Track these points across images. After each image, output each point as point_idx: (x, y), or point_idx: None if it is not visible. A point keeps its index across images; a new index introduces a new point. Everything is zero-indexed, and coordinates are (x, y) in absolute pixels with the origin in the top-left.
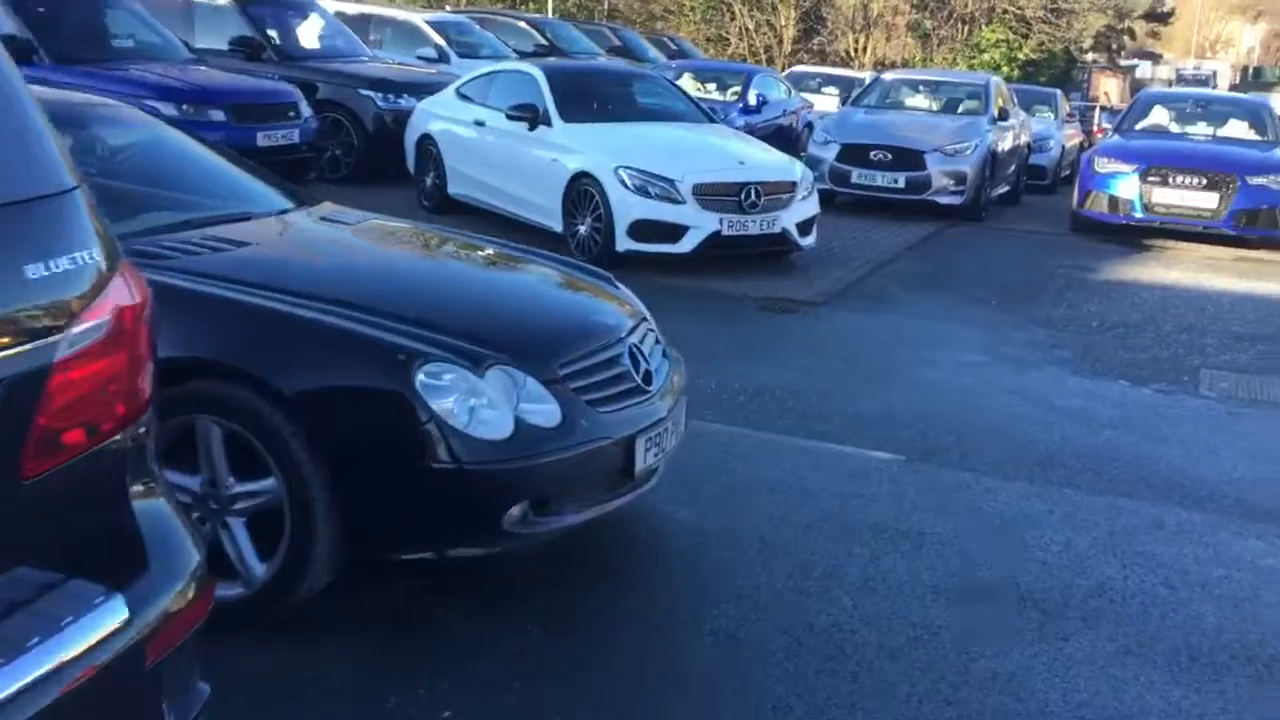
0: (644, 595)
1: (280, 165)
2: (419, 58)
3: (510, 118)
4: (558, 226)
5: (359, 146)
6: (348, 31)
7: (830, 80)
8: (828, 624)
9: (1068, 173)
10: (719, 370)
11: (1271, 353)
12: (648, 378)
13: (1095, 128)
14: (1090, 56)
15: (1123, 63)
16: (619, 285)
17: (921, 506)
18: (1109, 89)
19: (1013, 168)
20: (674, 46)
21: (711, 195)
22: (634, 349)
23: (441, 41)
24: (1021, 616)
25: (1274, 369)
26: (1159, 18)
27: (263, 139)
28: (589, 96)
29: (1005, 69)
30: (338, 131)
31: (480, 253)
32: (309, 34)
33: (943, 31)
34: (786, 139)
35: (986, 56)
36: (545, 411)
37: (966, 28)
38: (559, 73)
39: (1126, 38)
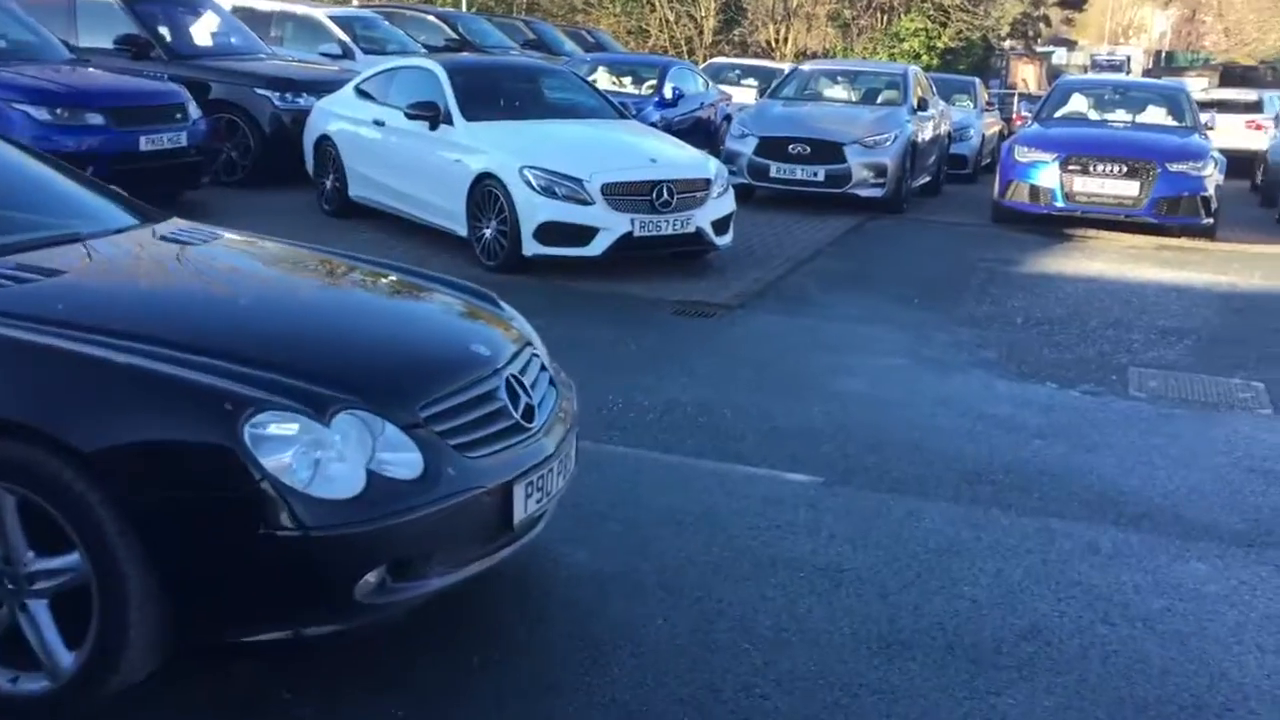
0: (528, 662)
1: (167, 170)
2: (322, 54)
3: (410, 116)
4: (462, 230)
5: (256, 148)
6: (244, 28)
7: (749, 71)
8: (735, 687)
9: (988, 161)
10: (628, 384)
11: (1198, 347)
12: (529, 413)
13: (1015, 115)
14: (1008, 44)
15: (1039, 49)
16: (503, 305)
17: (841, 536)
18: (1026, 76)
19: (933, 158)
20: (591, 40)
21: (622, 195)
22: (513, 380)
23: (345, 37)
24: (950, 668)
25: (1201, 365)
26: (1073, 4)
27: (146, 143)
28: (493, 93)
29: (925, 58)
30: (233, 133)
31: (341, 274)
32: (202, 31)
33: (863, 21)
34: (705, 133)
35: (906, 45)
36: (405, 461)
37: (886, 17)
38: (461, 69)
39: (1042, 24)
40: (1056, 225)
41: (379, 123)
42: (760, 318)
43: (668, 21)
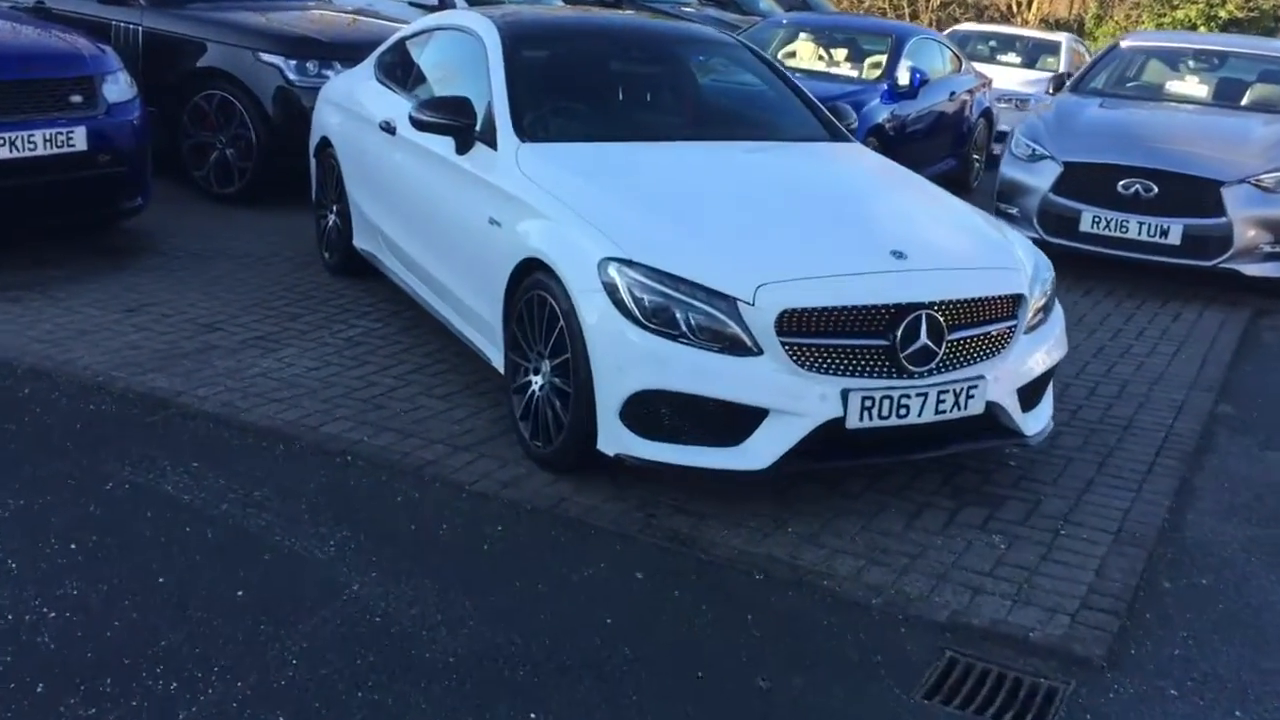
0: None
1: (50, 192)
2: (412, 4)
3: (419, 125)
4: (496, 359)
5: (260, 144)
6: None
7: (1008, 43)
8: None
9: None
10: None
11: None
12: None
13: None
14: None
15: None
16: None
17: None
18: None
19: None
20: None
21: (823, 334)
22: None
23: None
24: None
25: None
26: None
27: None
28: (584, 84)
29: (1203, 29)
30: (229, 120)
31: None
32: None
33: None
34: (953, 136)
35: (1180, 14)
36: None
37: None
38: (528, 33)
39: None
40: None
41: (388, 128)
42: None
43: None
